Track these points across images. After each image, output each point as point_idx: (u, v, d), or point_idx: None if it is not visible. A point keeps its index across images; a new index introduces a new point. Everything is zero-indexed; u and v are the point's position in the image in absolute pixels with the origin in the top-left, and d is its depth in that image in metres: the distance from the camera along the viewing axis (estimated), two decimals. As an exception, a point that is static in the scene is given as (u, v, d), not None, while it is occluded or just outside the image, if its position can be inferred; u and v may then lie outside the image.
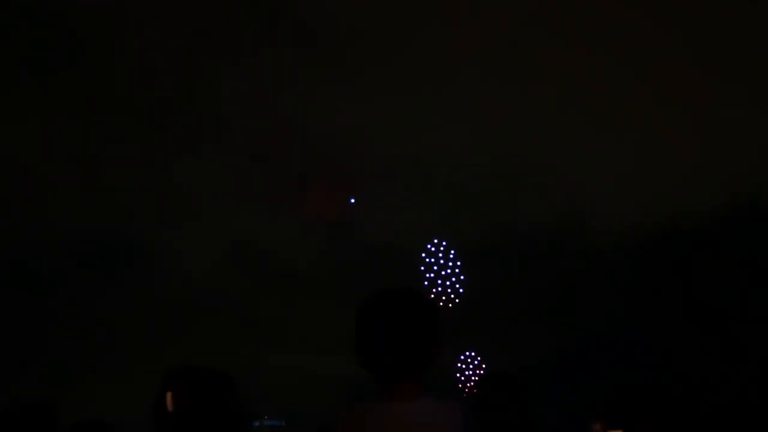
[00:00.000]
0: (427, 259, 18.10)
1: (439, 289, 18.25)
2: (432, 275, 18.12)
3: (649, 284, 14.54)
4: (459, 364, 18.41)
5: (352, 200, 17.35)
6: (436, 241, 18.09)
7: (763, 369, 11.66)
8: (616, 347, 14.08)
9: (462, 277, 18.18)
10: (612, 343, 14.31)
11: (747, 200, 13.37)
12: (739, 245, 13.48)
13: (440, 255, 18.10)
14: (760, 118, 14.60)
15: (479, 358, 18.27)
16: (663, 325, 13.90)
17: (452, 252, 17.97)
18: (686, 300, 13.77)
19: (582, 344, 15.05)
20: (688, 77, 15.03)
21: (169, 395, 1.24)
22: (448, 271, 18.07)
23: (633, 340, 14.18)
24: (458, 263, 18.07)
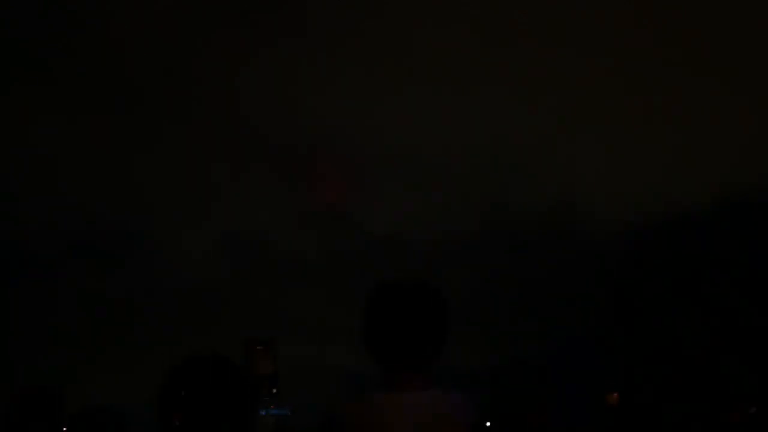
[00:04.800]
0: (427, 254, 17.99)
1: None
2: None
3: (642, 273, 14.56)
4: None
5: (358, 187, 17.30)
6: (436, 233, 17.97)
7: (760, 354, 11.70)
8: (609, 338, 14.12)
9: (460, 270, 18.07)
10: (605, 334, 14.34)
11: (738, 191, 13.39)
12: (730, 235, 13.49)
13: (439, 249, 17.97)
14: (752, 113, 14.57)
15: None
16: (655, 314, 13.92)
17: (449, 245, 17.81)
18: (679, 289, 13.79)
19: (576, 334, 15.06)
20: (682, 71, 14.98)
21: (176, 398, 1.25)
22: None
23: (627, 330, 14.22)
24: (456, 256, 17.95)
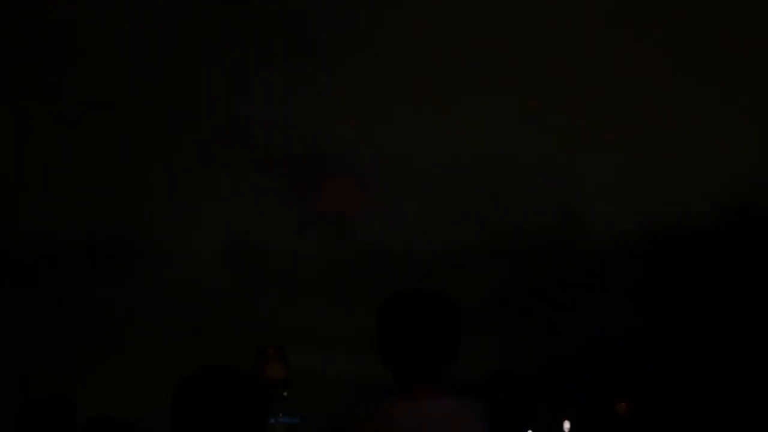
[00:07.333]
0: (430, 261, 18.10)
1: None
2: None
3: (651, 284, 14.50)
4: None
5: (360, 196, 17.34)
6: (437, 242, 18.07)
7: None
8: (618, 347, 14.07)
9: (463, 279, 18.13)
10: (613, 344, 14.30)
11: (748, 199, 13.31)
12: (740, 245, 13.42)
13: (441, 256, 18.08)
14: (760, 117, 14.51)
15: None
16: (666, 325, 13.87)
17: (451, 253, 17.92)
18: (689, 299, 13.74)
19: (583, 345, 15.03)
20: (687, 75, 14.96)
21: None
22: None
23: (636, 340, 14.18)
24: (459, 265, 18.02)
